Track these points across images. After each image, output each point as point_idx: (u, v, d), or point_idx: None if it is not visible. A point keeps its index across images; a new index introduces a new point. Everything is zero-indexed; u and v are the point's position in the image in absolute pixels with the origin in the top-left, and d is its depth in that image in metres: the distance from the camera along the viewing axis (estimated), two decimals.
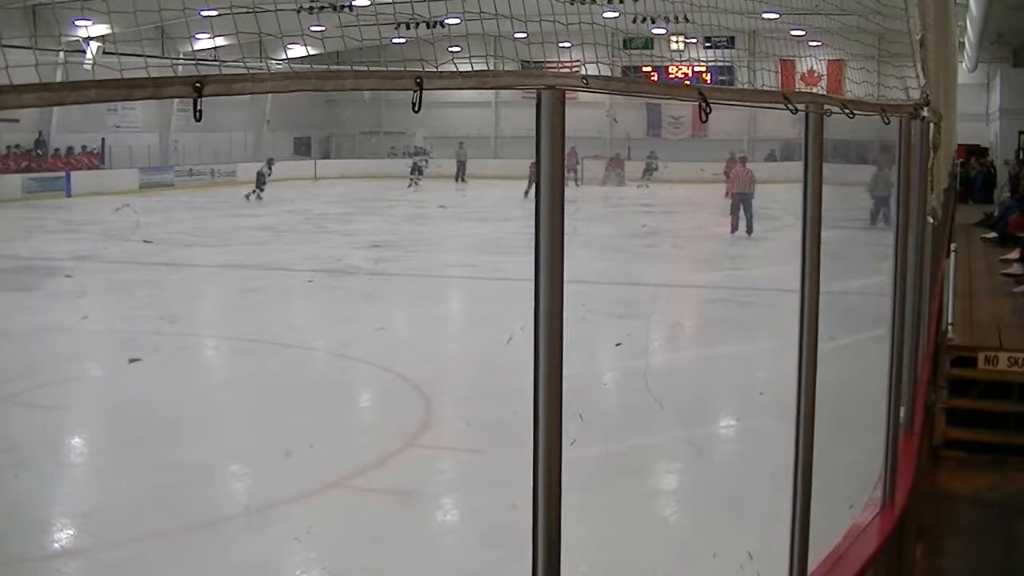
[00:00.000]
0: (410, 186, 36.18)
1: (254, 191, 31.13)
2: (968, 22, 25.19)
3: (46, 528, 6.13)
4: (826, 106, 3.33)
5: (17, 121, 32.24)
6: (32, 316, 12.25)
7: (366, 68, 2.05)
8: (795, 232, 3.40)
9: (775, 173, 35.05)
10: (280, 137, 45.15)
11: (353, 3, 27.66)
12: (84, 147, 35.25)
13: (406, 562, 5.70)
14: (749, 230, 20.28)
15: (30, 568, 5.60)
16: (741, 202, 20.58)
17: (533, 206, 2.19)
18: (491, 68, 2.38)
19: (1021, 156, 25.77)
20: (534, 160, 2.18)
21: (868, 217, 18.88)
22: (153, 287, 14.97)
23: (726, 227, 20.80)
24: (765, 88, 3.42)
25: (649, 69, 35.20)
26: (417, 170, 38.01)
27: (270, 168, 32.39)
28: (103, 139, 36.06)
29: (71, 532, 6.15)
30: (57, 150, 34.26)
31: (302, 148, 46.13)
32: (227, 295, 15.13)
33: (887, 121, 4.04)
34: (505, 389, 8.34)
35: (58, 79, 1.70)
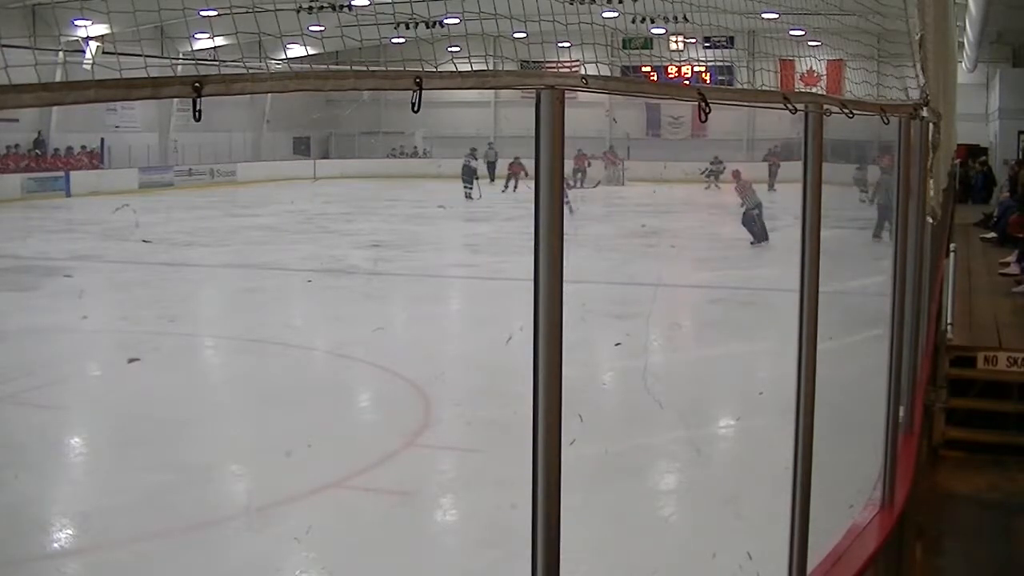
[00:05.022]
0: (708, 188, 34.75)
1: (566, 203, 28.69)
2: (967, 22, 25.18)
3: (46, 528, 6.13)
4: (826, 106, 3.33)
5: (17, 121, 32.26)
6: (32, 316, 12.25)
7: (366, 68, 2.05)
8: (795, 232, 3.40)
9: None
10: (280, 137, 45.18)
11: (353, 3, 27.65)
12: (84, 147, 35.25)
13: (406, 562, 5.70)
14: (761, 238, 19.27)
15: (30, 568, 5.59)
16: (753, 213, 19.50)
17: (533, 206, 2.19)
18: (491, 68, 2.38)
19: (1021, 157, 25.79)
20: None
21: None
22: (153, 287, 14.97)
23: (723, 227, 20.68)
24: (765, 88, 3.42)
25: (648, 69, 35.22)
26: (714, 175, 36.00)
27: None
28: (103, 139, 36.07)
29: (71, 532, 6.15)
30: (57, 150, 34.26)
31: (302, 148, 46.15)
32: (227, 295, 15.13)
33: (887, 121, 4.04)
34: (505, 389, 8.35)
35: (58, 79, 1.70)
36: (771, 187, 34.43)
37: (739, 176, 20.65)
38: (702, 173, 35.72)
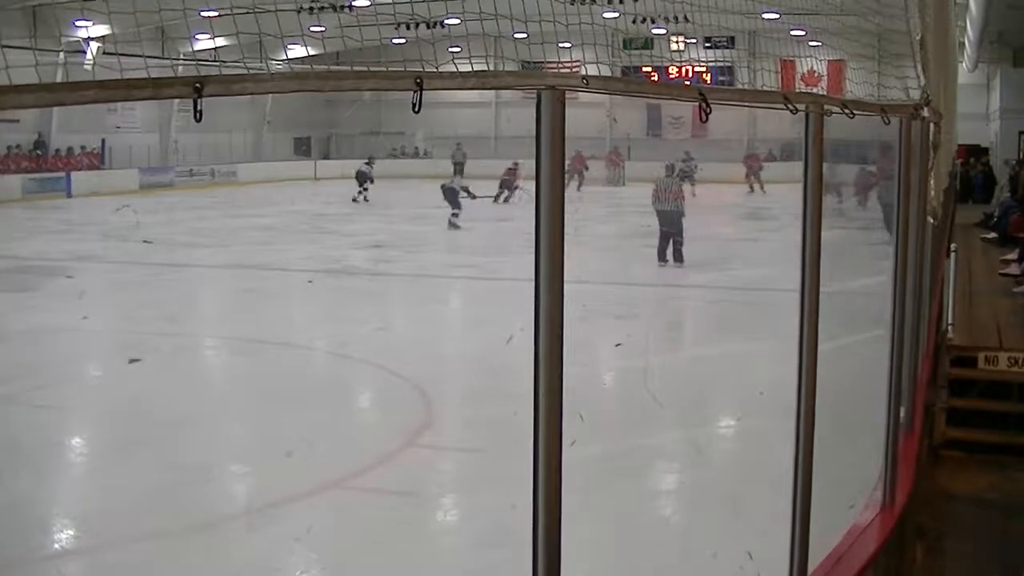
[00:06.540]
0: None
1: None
2: (968, 22, 25.19)
3: (46, 528, 6.13)
4: (826, 106, 3.33)
5: (17, 121, 32.25)
6: (32, 316, 12.25)
7: (366, 68, 2.05)
8: (795, 232, 3.40)
9: (775, 173, 35.17)
10: (280, 138, 45.18)
11: (353, 3, 27.65)
12: (84, 147, 35.23)
13: (406, 562, 5.70)
14: (677, 257, 16.52)
15: (30, 568, 5.59)
16: (666, 223, 16.67)
17: (533, 207, 2.20)
18: (491, 68, 2.39)
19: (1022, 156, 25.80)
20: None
21: None
22: (153, 287, 14.97)
23: (724, 227, 20.31)
24: (765, 88, 3.42)
25: (649, 69, 35.21)
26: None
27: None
28: (103, 139, 36.05)
29: (71, 532, 6.15)
30: (57, 150, 34.26)
31: (302, 148, 46.16)
32: (227, 295, 15.13)
33: (887, 121, 4.04)
34: (505, 389, 8.33)
35: (58, 79, 1.71)
36: (752, 189, 34.23)
37: (670, 172, 17.64)
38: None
